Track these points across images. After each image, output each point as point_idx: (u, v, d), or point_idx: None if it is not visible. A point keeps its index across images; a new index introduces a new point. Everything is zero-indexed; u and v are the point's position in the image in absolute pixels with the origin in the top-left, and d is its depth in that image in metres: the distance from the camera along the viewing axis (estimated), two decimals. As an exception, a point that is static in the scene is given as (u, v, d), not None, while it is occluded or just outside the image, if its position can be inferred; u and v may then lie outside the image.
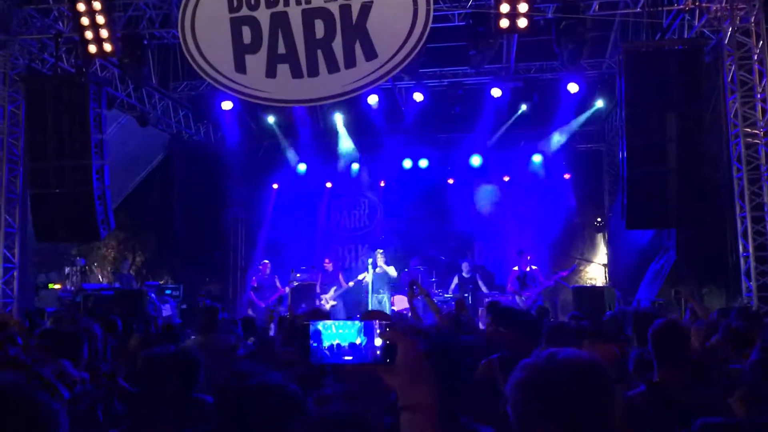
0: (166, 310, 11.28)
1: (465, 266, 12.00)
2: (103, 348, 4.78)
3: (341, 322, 1.53)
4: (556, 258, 12.88)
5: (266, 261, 12.27)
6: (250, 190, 14.64)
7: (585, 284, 12.94)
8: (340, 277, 12.24)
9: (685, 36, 9.13)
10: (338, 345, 1.51)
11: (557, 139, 13.24)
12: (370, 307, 11.71)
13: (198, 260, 14.17)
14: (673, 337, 2.95)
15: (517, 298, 11.17)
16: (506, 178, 14.04)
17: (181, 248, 14.21)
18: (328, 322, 1.54)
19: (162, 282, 13.81)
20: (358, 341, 1.50)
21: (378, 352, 1.46)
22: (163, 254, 14.46)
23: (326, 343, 1.50)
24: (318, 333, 1.53)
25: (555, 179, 13.66)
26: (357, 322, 1.52)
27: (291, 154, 14.34)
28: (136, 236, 14.31)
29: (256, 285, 12.12)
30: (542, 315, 6.81)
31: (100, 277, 13.25)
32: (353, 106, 12.11)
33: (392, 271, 11.76)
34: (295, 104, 8.56)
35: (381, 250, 11.90)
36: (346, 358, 1.48)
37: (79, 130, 9.24)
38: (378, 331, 1.50)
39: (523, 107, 11.93)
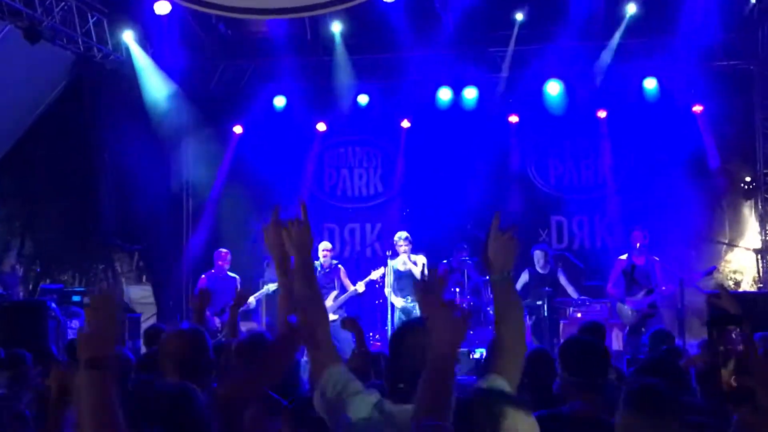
0: (74, 329, 11.50)
1: (539, 256, 12.05)
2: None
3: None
4: (683, 242, 12.90)
5: (224, 250, 12.35)
6: (201, 136, 14.75)
7: (726, 284, 12.97)
8: (342, 274, 12.37)
9: None
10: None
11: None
12: (389, 323, 11.91)
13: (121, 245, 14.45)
14: None
15: (620, 307, 11.26)
16: (602, 114, 14.06)
17: (99, 226, 14.41)
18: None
19: (66, 282, 14.07)
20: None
21: None
22: (70, 237, 14.66)
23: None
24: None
25: (679, 115, 13.69)
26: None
27: (264, 82, 14.39)
28: (26, 210, 14.52)
29: (206, 287, 12.17)
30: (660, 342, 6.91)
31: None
32: (359, 7, 12.09)
33: (420, 268, 11.87)
34: (270, 16, 8.57)
35: (404, 234, 11.97)
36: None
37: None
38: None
39: (631, 8, 11.86)
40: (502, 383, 3.14)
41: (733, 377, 2.41)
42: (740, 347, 2.45)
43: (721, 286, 4.94)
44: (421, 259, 11.95)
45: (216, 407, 3.50)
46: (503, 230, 3.22)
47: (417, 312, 11.70)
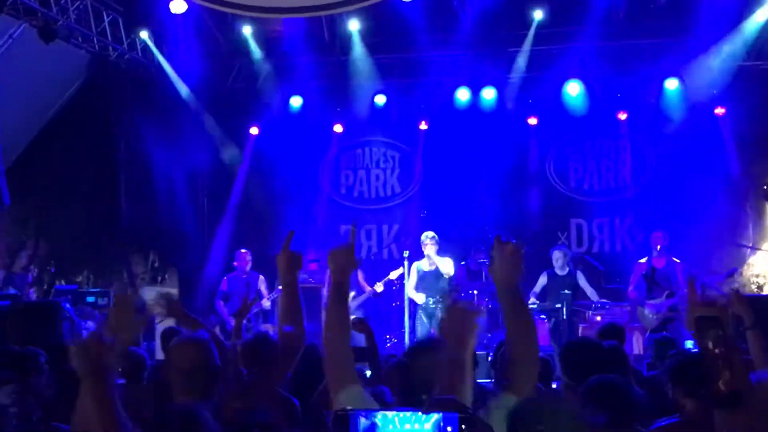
0: (88, 331, 11.56)
1: (557, 256, 12.01)
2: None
3: (406, 415, 1.68)
4: (705, 245, 12.86)
5: (244, 250, 12.50)
6: (217, 136, 14.81)
7: (748, 288, 12.93)
8: (360, 276, 12.42)
9: None
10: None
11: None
12: (406, 325, 11.93)
13: (138, 247, 14.53)
14: None
15: (641, 311, 11.24)
16: (622, 116, 14.06)
17: (114, 227, 14.50)
18: (387, 413, 1.69)
19: (80, 283, 14.13)
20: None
21: None
22: (85, 237, 14.72)
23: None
24: (371, 429, 1.69)
25: (701, 117, 13.64)
26: (433, 414, 1.67)
27: (280, 82, 14.45)
28: (41, 210, 14.59)
29: (226, 289, 12.33)
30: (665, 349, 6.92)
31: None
32: (377, 6, 12.13)
33: (448, 266, 11.80)
34: (287, 15, 8.59)
35: (431, 233, 11.92)
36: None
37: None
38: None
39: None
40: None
41: (722, 381, 2.44)
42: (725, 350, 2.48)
43: (735, 291, 4.92)
44: (446, 264, 11.90)
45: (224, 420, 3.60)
46: (505, 242, 3.29)
47: (439, 313, 11.71)
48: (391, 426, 1.69)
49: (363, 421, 1.71)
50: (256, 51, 13.88)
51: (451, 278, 11.82)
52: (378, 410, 1.73)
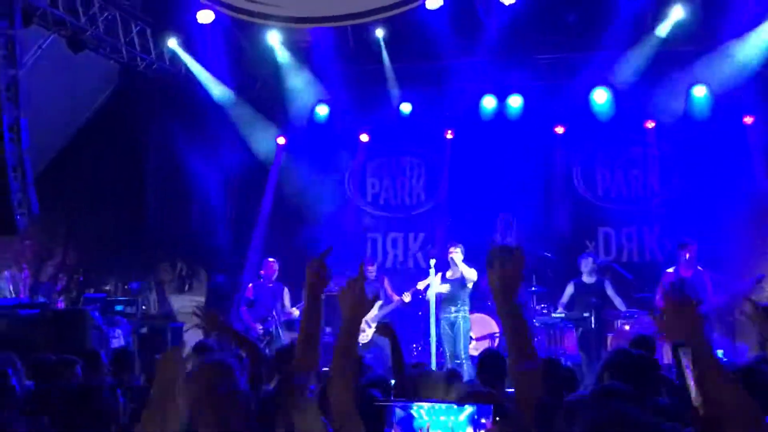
0: (117, 339, 11.65)
1: (586, 265, 11.99)
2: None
3: (441, 407, 1.74)
4: (734, 255, 12.77)
5: (271, 259, 12.59)
6: (244, 146, 14.92)
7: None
8: (387, 285, 12.45)
9: None
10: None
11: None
12: (432, 333, 11.94)
13: (166, 255, 14.65)
14: None
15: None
16: (650, 124, 14.04)
17: (142, 236, 14.63)
18: (422, 404, 1.75)
19: (109, 291, 14.25)
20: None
21: None
22: (113, 246, 14.85)
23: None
24: (406, 420, 1.75)
25: (729, 125, 13.58)
26: (467, 406, 1.72)
27: (306, 91, 14.56)
28: (70, 219, 14.71)
29: (252, 297, 12.42)
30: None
31: (11, 287, 13.59)
32: (402, 14, 12.19)
33: (472, 274, 11.76)
34: (317, 24, 8.64)
35: (459, 246, 11.93)
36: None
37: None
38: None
39: (679, 12, 11.77)
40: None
41: (699, 406, 2.44)
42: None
43: (751, 302, 4.86)
44: (471, 270, 11.88)
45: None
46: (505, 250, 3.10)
47: (460, 323, 11.70)
48: (426, 417, 1.73)
49: (399, 413, 1.74)
50: (282, 60, 14.01)
51: (475, 283, 11.78)
52: (413, 402, 1.78)
